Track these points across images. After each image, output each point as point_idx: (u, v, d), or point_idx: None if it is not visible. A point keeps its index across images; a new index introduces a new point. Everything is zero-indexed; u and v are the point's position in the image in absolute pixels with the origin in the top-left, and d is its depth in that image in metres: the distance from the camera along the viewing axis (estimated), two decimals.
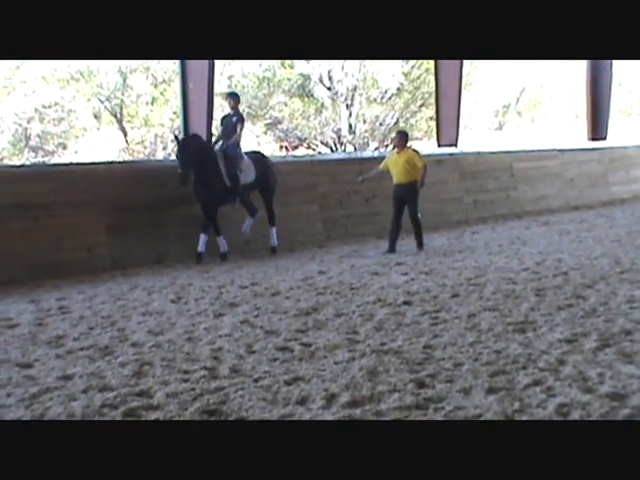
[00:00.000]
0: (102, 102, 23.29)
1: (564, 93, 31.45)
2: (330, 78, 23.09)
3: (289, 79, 23.32)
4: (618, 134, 18.52)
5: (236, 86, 22.04)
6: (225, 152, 9.09)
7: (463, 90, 14.03)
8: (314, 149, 23.35)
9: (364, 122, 23.63)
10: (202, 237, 8.86)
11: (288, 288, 6.93)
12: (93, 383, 4.20)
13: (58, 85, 22.38)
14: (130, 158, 21.83)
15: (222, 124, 9.38)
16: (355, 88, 23.08)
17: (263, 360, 4.57)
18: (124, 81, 23.18)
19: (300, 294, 6.63)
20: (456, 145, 13.43)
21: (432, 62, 15.64)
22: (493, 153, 13.87)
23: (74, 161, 16.13)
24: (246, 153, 9.48)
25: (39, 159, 22.10)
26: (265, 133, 24.33)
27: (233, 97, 9.42)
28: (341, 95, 23.17)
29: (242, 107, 21.90)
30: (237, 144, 9.19)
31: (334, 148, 23.23)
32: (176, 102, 19.19)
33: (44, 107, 22.26)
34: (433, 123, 17.63)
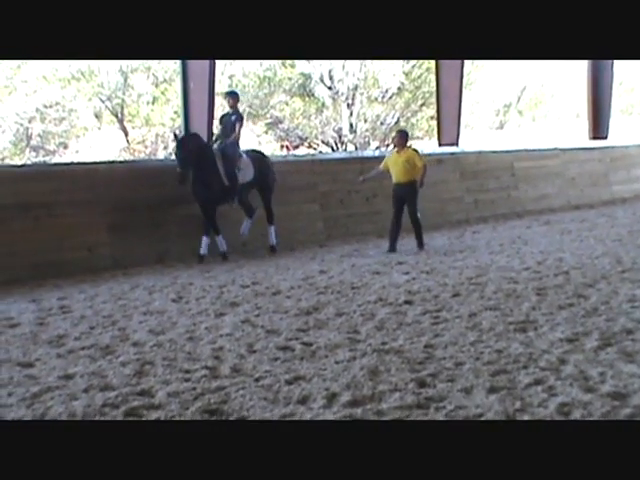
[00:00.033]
0: (103, 102, 23.30)
1: (565, 92, 31.42)
2: (331, 77, 23.09)
3: (290, 78, 23.32)
4: (619, 133, 18.51)
5: (237, 85, 22.05)
6: (223, 151, 9.05)
7: (464, 89, 14.02)
8: (315, 148, 23.36)
9: (365, 121, 23.62)
10: (204, 239, 8.84)
11: (289, 287, 6.93)
12: (94, 382, 4.20)
13: (59, 85, 22.39)
14: (131, 158, 21.84)
15: (221, 123, 9.37)
16: (356, 87, 23.07)
17: (264, 359, 4.57)
18: (125, 81, 23.19)
19: (301, 293, 6.63)
20: (457, 144, 13.42)
21: (433, 61, 15.63)
22: (494, 152, 13.87)
23: (75, 161, 16.17)
24: (244, 152, 9.47)
25: (40, 159, 22.12)
26: (266, 132, 24.33)
27: (232, 96, 9.39)
28: (342, 94, 23.17)
29: (243, 106, 21.96)
30: (236, 143, 9.17)
31: (335, 147, 23.23)
32: (177, 102, 19.19)
33: (45, 107, 22.27)
34: (434, 122, 17.65)
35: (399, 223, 9.18)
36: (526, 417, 3.44)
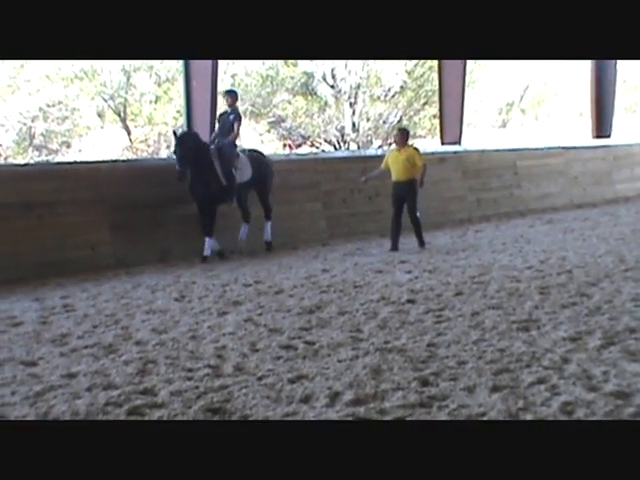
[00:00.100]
0: (106, 101, 23.33)
1: (568, 90, 31.36)
2: (333, 76, 23.09)
3: (292, 77, 23.33)
4: (622, 132, 18.47)
5: (239, 84, 22.06)
6: (220, 150, 8.99)
7: (467, 88, 14.01)
8: (317, 147, 23.36)
9: (367, 120, 23.62)
10: (207, 241, 8.82)
11: (292, 286, 6.93)
12: (97, 381, 4.21)
13: (62, 84, 22.42)
14: (134, 157, 21.87)
15: (219, 122, 9.33)
16: (358, 86, 23.07)
17: (267, 358, 4.57)
18: (128, 80, 23.21)
19: (304, 292, 6.63)
20: (459, 143, 13.41)
21: (435, 60, 15.61)
22: (497, 151, 13.85)
23: (78, 160, 16.18)
24: (242, 151, 9.43)
25: (43, 158, 22.16)
26: (268, 131, 24.35)
27: (231, 94, 9.32)
28: (344, 93, 23.17)
29: (245, 105, 21.98)
30: (233, 142, 9.12)
31: (337, 146, 23.23)
32: (180, 101, 19.19)
33: (48, 106, 22.31)
34: (436, 121, 17.64)
35: (399, 222, 9.17)
36: (529, 416, 3.44)
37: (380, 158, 9.71)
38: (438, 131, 14.45)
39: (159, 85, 23.37)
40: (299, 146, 23.74)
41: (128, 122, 23.67)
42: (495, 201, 13.06)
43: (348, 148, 22.75)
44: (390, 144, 22.45)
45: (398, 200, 9.15)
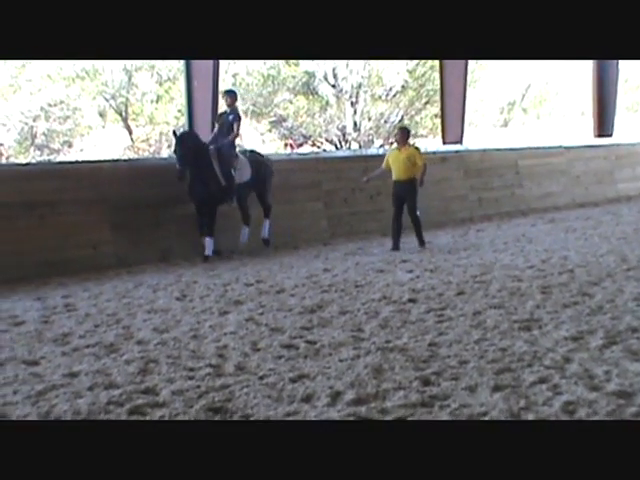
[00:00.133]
0: (107, 100, 23.35)
1: (570, 90, 31.33)
2: (335, 76, 23.08)
3: (294, 77, 23.33)
4: (624, 131, 18.46)
5: (240, 84, 22.07)
6: (219, 151, 8.97)
7: (468, 87, 13.99)
8: (319, 147, 23.36)
9: (369, 119, 23.62)
10: (208, 240, 8.80)
11: (293, 286, 6.93)
12: (99, 380, 4.21)
13: (63, 83, 22.44)
14: (135, 156, 21.88)
15: (218, 122, 9.31)
16: (360, 85, 23.06)
17: (268, 358, 4.57)
18: (129, 79, 23.22)
19: (305, 292, 6.63)
20: (461, 142, 13.40)
21: (437, 60, 15.61)
22: (498, 150, 13.84)
23: (79, 159, 16.20)
24: (241, 152, 9.41)
25: (45, 157, 22.18)
26: (270, 131, 24.35)
27: (230, 94, 9.28)
28: (346, 93, 23.16)
29: (247, 105, 21.98)
30: (232, 143, 9.11)
31: (339, 145, 23.23)
32: (181, 100, 19.22)
33: (50, 105, 22.32)
34: (438, 120, 17.65)
35: (400, 221, 9.16)
36: (531, 415, 3.44)
37: (381, 157, 9.70)
38: (440, 130, 14.44)
39: (160, 85, 23.38)
40: (300, 146, 23.74)
41: (129, 122, 23.68)
42: (497, 200, 13.06)
43: (349, 147, 22.74)
44: (391, 143, 22.45)
45: (398, 199, 9.15)
